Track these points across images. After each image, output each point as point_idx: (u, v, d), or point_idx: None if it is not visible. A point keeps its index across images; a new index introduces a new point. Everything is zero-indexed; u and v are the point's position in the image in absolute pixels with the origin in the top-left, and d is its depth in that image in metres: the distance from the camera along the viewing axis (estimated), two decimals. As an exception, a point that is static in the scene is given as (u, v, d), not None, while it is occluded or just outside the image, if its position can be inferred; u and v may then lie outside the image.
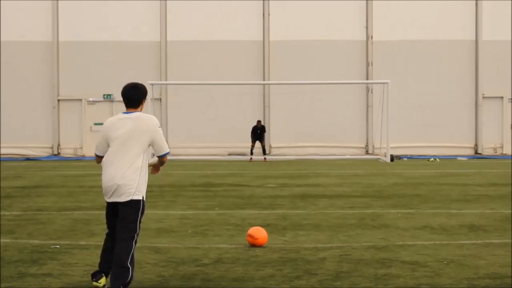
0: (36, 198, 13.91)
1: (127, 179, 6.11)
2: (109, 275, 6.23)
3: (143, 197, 6.20)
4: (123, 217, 6.13)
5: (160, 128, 6.30)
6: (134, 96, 6.30)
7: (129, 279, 6.07)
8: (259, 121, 28.83)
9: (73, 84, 31.50)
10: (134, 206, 6.13)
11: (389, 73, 30.33)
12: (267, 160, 28.05)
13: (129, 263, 6.08)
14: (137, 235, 6.20)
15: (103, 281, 6.35)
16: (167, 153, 6.38)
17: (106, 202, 6.29)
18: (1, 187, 16.02)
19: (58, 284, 6.55)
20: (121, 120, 6.25)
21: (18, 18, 31.16)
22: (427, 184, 16.66)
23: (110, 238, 6.36)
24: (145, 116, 6.29)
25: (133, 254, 6.13)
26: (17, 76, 31.25)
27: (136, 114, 6.25)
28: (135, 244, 6.17)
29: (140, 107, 6.34)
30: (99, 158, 6.37)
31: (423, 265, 7.31)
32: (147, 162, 6.29)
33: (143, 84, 6.49)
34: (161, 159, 6.40)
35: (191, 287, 6.48)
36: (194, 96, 31.01)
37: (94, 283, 6.34)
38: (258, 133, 28.48)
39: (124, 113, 6.31)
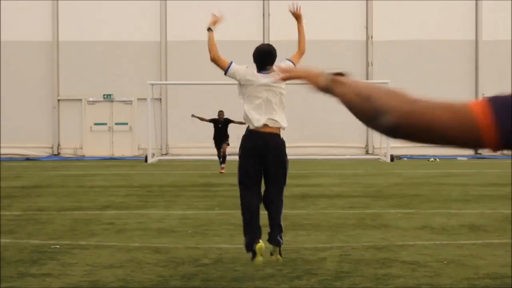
0: (36, 198, 13.91)
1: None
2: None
3: None
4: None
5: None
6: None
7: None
8: (221, 112, 21.53)
9: (73, 84, 31.51)
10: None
11: (389, 73, 30.34)
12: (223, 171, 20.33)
13: None
14: None
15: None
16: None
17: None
18: (1, 187, 16.01)
19: (58, 284, 6.55)
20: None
21: (18, 18, 31.17)
22: (427, 184, 16.66)
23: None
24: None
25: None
26: (17, 76, 31.26)
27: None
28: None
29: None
30: (223, 61, 7.45)
31: (423, 265, 7.31)
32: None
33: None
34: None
35: (191, 287, 6.48)
36: (194, 96, 31.02)
37: None
38: (220, 128, 21.16)
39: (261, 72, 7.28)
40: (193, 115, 21.45)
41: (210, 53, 7.57)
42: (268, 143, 7.10)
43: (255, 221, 7.12)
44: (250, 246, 7.10)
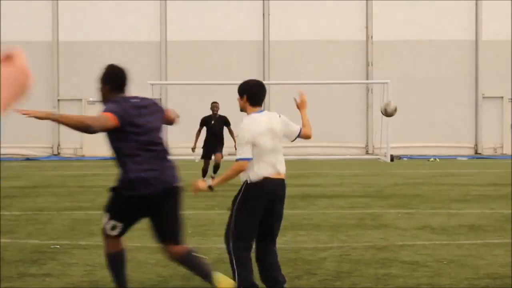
0: (36, 198, 13.91)
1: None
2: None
3: None
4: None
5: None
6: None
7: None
8: (215, 104, 17.15)
9: (73, 84, 31.51)
10: None
11: (389, 73, 30.33)
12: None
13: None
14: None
15: None
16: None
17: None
18: (1, 187, 16.01)
19: (58, 284, 6.55)
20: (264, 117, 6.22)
21: (18, 18, 31.17)
22: (427, 184, 16.66)
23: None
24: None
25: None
26: (17, 76, 31.25)
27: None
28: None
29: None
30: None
31: (423, 265, 7.31)
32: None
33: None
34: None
35: (191, 287, 6.48)
36: (194, 96, 31.01)
37: None
38: (214, 128, 16.72)
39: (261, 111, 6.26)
40: (193, 150, 17.54)
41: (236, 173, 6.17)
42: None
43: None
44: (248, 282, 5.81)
